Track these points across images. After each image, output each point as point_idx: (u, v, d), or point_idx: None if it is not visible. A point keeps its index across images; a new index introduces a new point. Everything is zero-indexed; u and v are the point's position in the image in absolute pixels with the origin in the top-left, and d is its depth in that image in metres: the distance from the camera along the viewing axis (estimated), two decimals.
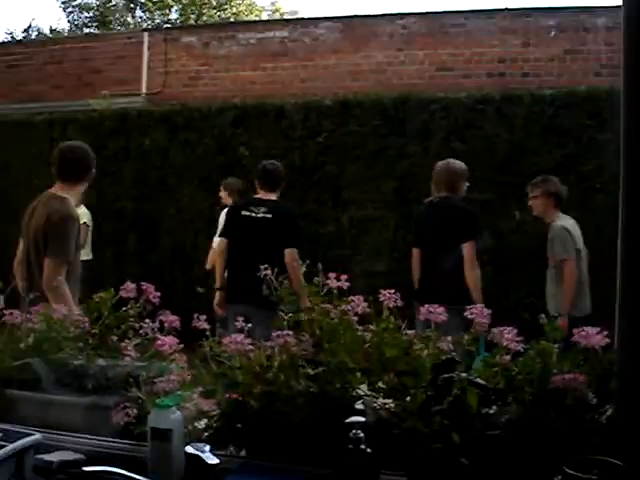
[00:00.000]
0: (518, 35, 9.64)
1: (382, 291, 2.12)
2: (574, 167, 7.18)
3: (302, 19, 12.20)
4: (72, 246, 3.99)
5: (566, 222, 5.63)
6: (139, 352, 2.31)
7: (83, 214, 6.76)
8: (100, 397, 2.22)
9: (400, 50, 9.96)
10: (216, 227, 6.63)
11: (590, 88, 7.58)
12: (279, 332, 2.00)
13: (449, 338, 2.08)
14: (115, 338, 2.41)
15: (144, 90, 11.17)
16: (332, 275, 2.12)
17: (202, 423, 2.08)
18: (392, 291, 2.12)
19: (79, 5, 26.58)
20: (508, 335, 2.00)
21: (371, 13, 10.65)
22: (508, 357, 1.98)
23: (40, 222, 4.01)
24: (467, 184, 5.37)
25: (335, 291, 2.09)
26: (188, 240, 8.16)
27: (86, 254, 7.24)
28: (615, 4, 9.11)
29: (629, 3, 1.86)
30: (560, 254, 5.48)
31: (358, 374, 2.01)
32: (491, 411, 1.89)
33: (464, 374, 1.82)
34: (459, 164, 5.40)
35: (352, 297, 2.12)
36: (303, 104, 8.33)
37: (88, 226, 7.29)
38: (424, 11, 10.28)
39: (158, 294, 2.48)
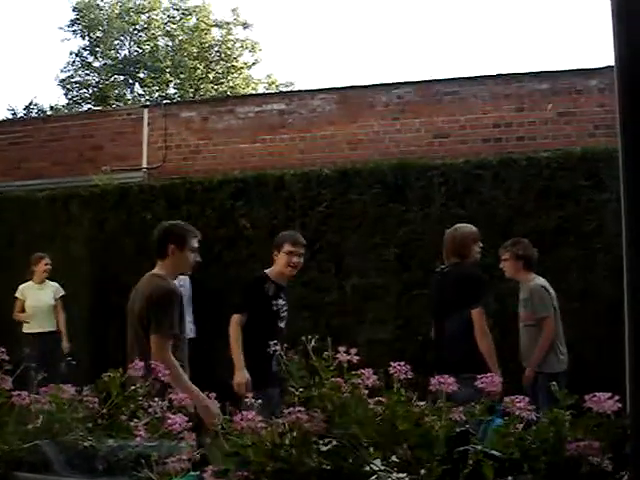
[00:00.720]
0: (512, 100, 9.82)
1: (392, 364, 2.11)
2: (574, 228, 7.24)
3: (299, 91, 12.42)
4: (176, 320, 4.09)
5: (542, 281, 5.76)
6: (149, 431, 2.30)
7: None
8: (111, 478, 2.19)
9: (396, 119, 10.12)
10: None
11: (585, 149, 7.68)
12: (290, 408, 2.00)
13: (461, 409, 2.07)
14: (124, 417, 2.39)
15: (145, 165, 11.31)
16: (342, 349, 2.12)
17: None
18: (402, 363, 2.12)
19: (78, 82, 27.10)
20: (520, 404, 2.00)
21: (366, 83, 10.84)
22: (521, 426, 1.98)
23: (142, 302, 4.16)
24: (480, 246, 5.39)
25: (345, 365, 2.09)
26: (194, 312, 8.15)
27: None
28: (605, 65, 9.30)
29: (621, 61, 1.89)
30: (540, 312, 5.60)
31: (371, 449, 1.99)
32: None
33: (479, 446, 1.81)
34: (467, 228, 5.44)
35: (362, 370, 2.12)
36: (302, 174, 8.43)
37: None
38: (418, 80, 10.47)
39: (167, 372, 2.48)
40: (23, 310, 8.51)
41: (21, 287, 8.59)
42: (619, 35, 1.90)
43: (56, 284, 8.58)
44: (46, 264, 8.52)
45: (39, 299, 8.48)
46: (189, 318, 8.15)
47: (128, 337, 4.28)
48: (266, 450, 2.00)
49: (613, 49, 1.93)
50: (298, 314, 7.70)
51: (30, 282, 8.58)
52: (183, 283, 8.16)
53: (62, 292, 8.55)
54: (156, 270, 4.40)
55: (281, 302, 5.30)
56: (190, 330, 8.09)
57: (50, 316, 8.43)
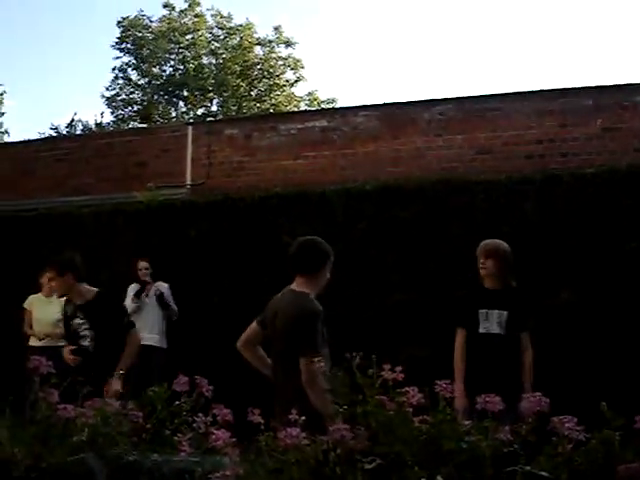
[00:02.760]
0: (555, 116, 9.73)
1: (438, 382, 2.10)
2: (618, 245, 7.12)
3: (341, 108, 12.48)
4: (320, 341, 4.06)
5: None
6: (192, 446, 2.31)
7: None
8: None
9: (438, 135, 10.10)
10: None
11: (631, 165, 7.55)
12: (335, 426, 1.99)
13: (507, 428, 2.05)
14: (168, 432, 2.41)
15: (188, 181, 11.43)
16: (387, 366, 2.11)
17: None
18: (448, 382, 2.11)
19: (123, 100, 27.52)
20: (569, 424, 1.97)
21: (408, 100, 10.85)
22: (570, 446, 1.94)
23: (289, 320, 4.12)
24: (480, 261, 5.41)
25: (390, 382, 2.08)
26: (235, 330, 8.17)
27: None
28: None
29: None
30: None
31: (416, 467, 1.97)
32: None
33: (527, 467, 1.78)
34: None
35: (407, 388, 2.11)
36: (344, 190, 8.42)
37: None
38: (460, 96, 10.44)
39: (211, 387, 2.49)
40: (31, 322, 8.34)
41: (30, 298, 8.44)
42: None
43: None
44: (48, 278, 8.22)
45: (45, 312, 8.21)
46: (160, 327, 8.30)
47: (250, 331, 4.35)
48: (310, 467, 2.00)
49: None
50: (338, 331, 7.69)
51: (39, 294, 8.41)
52: (165, 290, 8.31)
53: None
54: (297, 287, 4.26)
55: None
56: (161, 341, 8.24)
57: (55, 330, 7.97)
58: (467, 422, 2.12)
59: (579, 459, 1.91)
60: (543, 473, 1.79)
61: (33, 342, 8.16)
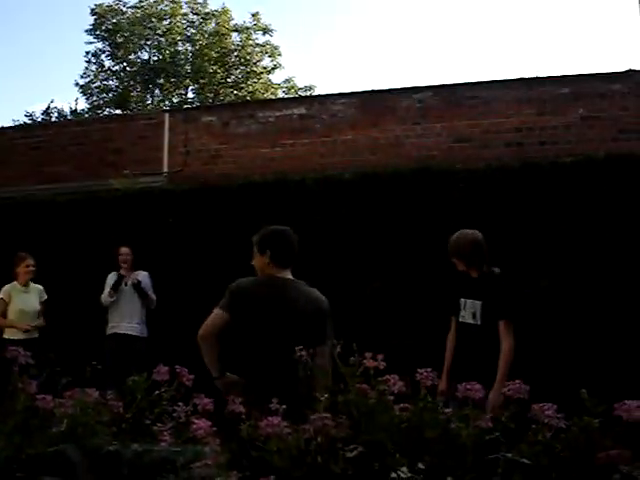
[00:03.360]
0: (533, 104, 9.77)
1: (419, 370, 2.10)
2: (596, 234, 7.17)
3: (319, 96, 12.45)
4: None
5: None
6: (173, 436, 2.29)
7: None
8: None
9: (417, 123, 10.11)
10: None
11: (609, 153, 7.60)
12: (317, 415, 1.98)
13: (488, 416, 2.05)
14: (148, 422, 2.39)
15: (165, 169, 11.36)
16: (368, 354, 2.11)
17: None
18: (429, 369, 2.11)
19: (98, 87, 27.29)
20: (549, 412, 1.97)
21: (387, 87, 10.83)
22: (550, 434, 1.95)
23: (322, 309, 4.12)
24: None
25: (372, 371, 2.08)
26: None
27: None
28: (628, 69, 9.26)
29: None
30: None
31: (397, 455, 1.97)
32: None
33: (509, 454, 1.79)
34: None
35: (388, 376, 2.11)
36: (323, 179, 8.41)
37: None
38: (439, 84, 10.45)
39: (191, 377, 2.47)
40: (4, 314, 8.04)
41: (6, 288, 8.11)
42: None
43: (40, 286, 8.22)
44: (28, 265, 8.13)
45: (26, 302, 8.06)
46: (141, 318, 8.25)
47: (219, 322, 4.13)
48: (292, 456, 1.99)
49: None
50: None
51: (15, 283, 8.14)
52: (142, 279, 8.25)
53: (45, 296, 8.19)
54: (292, 277, 4.27)
55: None
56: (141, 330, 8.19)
57: (35, 321, 8.01)
58: (447, 410, 2.12)
59: (559, 446, 1.92)
60: (524, 460, 1.79)
61: (11, 335, 7.83)
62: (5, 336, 7.84)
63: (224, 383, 3.96)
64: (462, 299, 5.26)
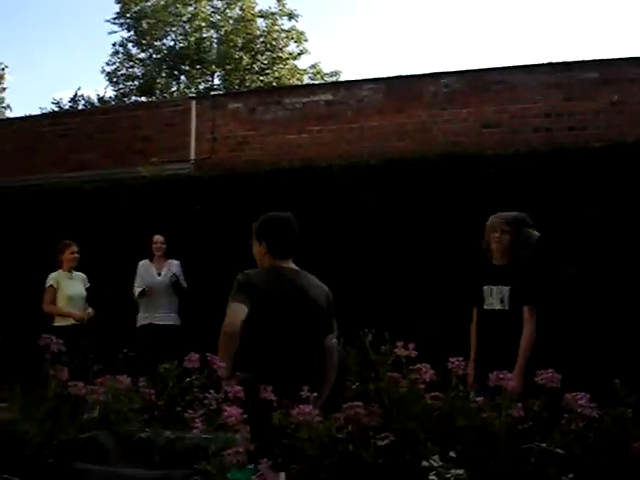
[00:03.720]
0: (562, 89, 9.66)
1: (450, 359, 2.10)
2: (626, 220, 7.09)
3: (345, 82, 12.38)
4: None
5: None
6: (204, 423, 2.31)
7: None
8: (168, 470, 2.19)
9: (444, 109, 10.03)
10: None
11: (638, 139, 7.50)
12: (349, 403, 1.99)
13: (520, 405, 2.04)
14: (179, 409, 2.41)
15: (192, 156, 11.38)
16: (400, 343, 2.11)
17: None
18: (460, 359, 2.10)
19: (124, 75, 27.38)
20: (582, 401, 1.96)
21: (413, 73, 10.76)
22: (583, 423, 1.94)
23: (328, 299, 4.07)
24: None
25: (403, 359, 2.07)
26: None
27: None
28: None
29: None
30: None
31: (429, 444, 1.97)
32: None
33: (543, 444, 1.78)
34: None
35: (419, 365, 2.10)
36: (350, 165, 8.39)
37: None
38: (466, 69, 10.35)
39: (222, 365, 2.49)
40: (54, 301, 7.95)
41: (54, 275, 8.03)
42: None
43: (83, 274, 8.19)
44: (72, 252, 8.06)
45: (73, 289, 8.01)
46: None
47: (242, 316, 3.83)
48: (323, 444, 2.00)
49: None
50: (347, 306, 7.69)
51: (60, 271, 8.06)
52: (175, 269, 8.23)
53: (89, 283, 8.15)
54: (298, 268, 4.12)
55: None
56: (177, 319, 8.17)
57: (83, 308, 7.95)
58: (479, 399, 2.12)
59: (592, 436, 1.91)
60: (558, 450, 1.78)
61: (61, 322, 7.74)
62: (55, 323, 7.76)
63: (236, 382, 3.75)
64: (487, 286, 5.25)
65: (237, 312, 3.79)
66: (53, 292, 7.94)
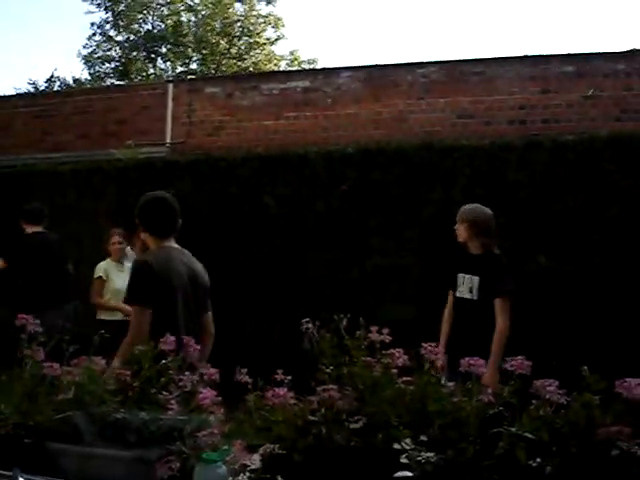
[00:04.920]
0: (537, 82, 9.74)
1: (424, 344, 2.13)
2: (597, 212, 7.20)
3: (323, 69, 12.37)
4: None
5: None
6: (180, 405, 2.33)
7: None
8: (142, 450, 2.21)
9: (421, 98, 10.08)
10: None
11: (612, 133, 7.61)
12: (323, 386, 2.02)
13: (490, 390, 2.09)
14: (154, 391, 2.42)
15: (168, 140, 11.33)
16: (374, 328, 2.14)
17: (245, 477, 2.08)
18: (433, 344, 2.14)
19: (100, 57, 27.13)
20: (550, 388, 2.01)
21: (391, 62, 10.79)
22: (551, 409, 1.99)
23: (203, 278, 4.09)
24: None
25: (378, 345, 2.11)
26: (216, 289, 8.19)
27: None
28: (632, 48, 9.24)
29: None
30: None
31: (401, 428, 2.01)
32: (534, 464, 1.89)
33: (512, 428, 1.82)
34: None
35: (392, 350, 2.14)
36: (326, 152, 8.41)
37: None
38: (444, 59, 10.40)
39: (198, 347, 2.51)
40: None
41: (102, 265, 7.43)
42: None
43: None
44: (114, 243, 7.44)
45: (123, 282, 7.27)
46: None
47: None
48: (297, 427, 2.03)
49: None
50: (320, 292, 7.74)
51: (109, 260, 7.46)
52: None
53: None
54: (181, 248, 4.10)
55: None
56: None
57: None
58: (450, 384, 2.16)
59: (560, 422, 1.96)
60: (527, 434, 1.83)
61: (109, 316, 7.07)
62: (101, 317, 7.26)
63: None
64: (461, 274, 5.30)
65: (142, 324, 3.73)
66: (101, 284, 7.37)
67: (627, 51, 9.44)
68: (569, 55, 9.81)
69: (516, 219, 7.33)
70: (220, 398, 2.30)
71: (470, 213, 5.35)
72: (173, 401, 2.28)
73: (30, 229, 7.40)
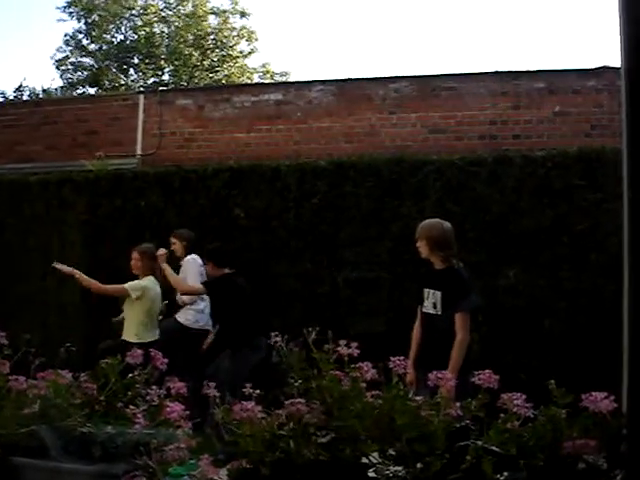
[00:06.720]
0: (508, 97, 9.83)
1: (392, 358, 2.14)
2: (567, 227, 7.28)
3: (296, 82, 12.38)
4: None
5: None
6: (146, 419, 2.31)
7: None
8: (108, 465, 2.20)
9: (393, 113, 10.12)
10: None
11: (582, 149, 7.70)
12: (291, 400, 2.01)
13: (457, 404, 2.09)
14: (121, 404, 2.40)
15: (139, 151, 11.26)
16: (342, 342, 2.14)
17: None
18: (402, 358, 2.14)
19: (73, 64, 26.96)
20: (518, 401, 2.02)
21: (364, 76, 10.82)
22: (518, 423, 2.00)
23: None
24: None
25: (346, 358, 2.11)
26: None
27: None
28: (602, 65, 9.35)
29: (629, 64, 1.90)
30: None
31: (369, 441, 2.01)
32: (501, 478, 1.90)
33: (479, 442, 1.83)
34: None
35: (361, 364, 2.14)
36: (297, 165, 8.42)
37: None
38: (416, 74, 10.46)
39: (166, 360, 2.49)
40: None
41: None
42: (628, 40, 1.91)
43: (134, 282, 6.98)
44: (131, 259, 7.09)
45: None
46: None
47: None
48: (265, 440, 2.02)
49: (620, 53, 1.94)
50: (290, 305, 7.73)
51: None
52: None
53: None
54: None
55: None
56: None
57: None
58: (418, 398, 2.16)
59: (527, 435, 1.97)
60: (493, 448, 1.84)
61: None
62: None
63: None
64: (426, 289, 5.33)
65: None
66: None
67: (597, 68, 9.55)
68: (540, 71, 9.91)
69: (486, 234, 7.39)
70: (188, 412, 2.28)
71: (427, 229, 5.39)
72: (140, 415, 2.25)
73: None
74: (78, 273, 6.86)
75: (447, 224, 5.39)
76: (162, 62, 26.90)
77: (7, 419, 2.40)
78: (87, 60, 27.11)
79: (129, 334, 6.70)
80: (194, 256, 7.56)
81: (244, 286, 7.05)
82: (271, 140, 10.44)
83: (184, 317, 7.54)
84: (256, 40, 26.99)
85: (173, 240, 7.71)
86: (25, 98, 24.76)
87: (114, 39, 27.16)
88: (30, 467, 2.27)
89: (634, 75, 1.88)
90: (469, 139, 9.54)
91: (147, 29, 26.79)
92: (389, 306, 7.40)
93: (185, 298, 7.49)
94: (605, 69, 9.36)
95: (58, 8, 26.47)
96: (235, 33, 26.98)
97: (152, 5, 26.93)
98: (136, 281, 6.84)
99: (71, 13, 26.53)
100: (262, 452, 2.00)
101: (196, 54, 26.60)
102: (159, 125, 11.26)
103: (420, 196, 7.72)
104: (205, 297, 7.36)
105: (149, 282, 6.88)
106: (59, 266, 6.98)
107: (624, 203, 1.94)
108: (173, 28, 26.90)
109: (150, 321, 6.85)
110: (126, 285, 6.76)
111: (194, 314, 7.55)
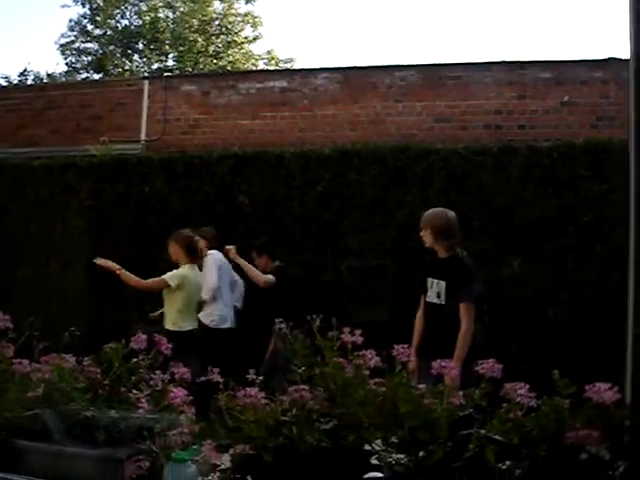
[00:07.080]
0: (514, 87, 9.79)
1: (395, 346, 2.14)
2: (572, 218, 7.27)
3: (301, 70, 12.35)
4: None
5: None
6: (150, 403, 2.32)
7: None
8: (111, 449, 2.20)
9: (398, 101, 10.09)
10: None
11: (588, 140, 7.67)
12: (295, 386, 2.02)
13: (461, 393, 2.10)
14: (125, 389, 2.41)
15: (143, 137, 11.25)
16: (346, 329, 2.14)
17: (215, 477, 2.07)
18: (405, 346, 2.14)
19: (77, 49, 26.91)
20: (521, 391, 2.02)
21: (369, 64, 10.78)
22: (521, 412, 2.00)
23: None
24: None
25: (349, 345, 2.11)
26: None
27: None
28: (610, 57, 9.31)
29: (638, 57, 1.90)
30: None
31: (372, 429, 2.01)
32: (504, 467, 1.90)
33: (482, 430, 1.83)
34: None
35: (364, 351, 2.14)
36: (302, 153, 8.41)
37: None
38: (422, 63, 10.42)
39: (170, 345, 2.49)
40: None
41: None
42: (636, 31, 1.90)
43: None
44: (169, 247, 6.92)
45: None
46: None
47: None
48: (268, 427, 2.02)
49: (629, 46, 1.93)
50: (297, 293, 7.73)
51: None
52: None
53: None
54: None
55: None
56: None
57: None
58: (421, 386, 2.16)
59: (529, 425, 1.97)
60: (496, 437, 1.84)
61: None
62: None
63: None
64: (430, 279, 5.33)
65: None
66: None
67: (604, 59, 9.50)
68: (546, 62, 9.87)
69: (491, 223, 7.38)
70: (191, 397, 2.29)
71: (431, 218, 5.39)
72: (143, 400, 2.26)
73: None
74: (120, 269, 6.74)
75: (451, 213, 5.39)
76: (167, 47, 26.83)
77: (11, 402, 2.40)
78: (91, 45, 27.05)
79: (168, 322, 6.66)
80: (213, 251, 7.51)
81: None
82: (276, 127, 10.42)
83: (208, 319, 7.37)
84: (261, 26, 26.91)
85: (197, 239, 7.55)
86: (29, 82, 24.74)
87: (118, 24, 27.07)
88: (33, 450, 2.28)
89: None
90: (474, 128, 9.51)
91: (152, 14, 26.71)
92: (393, 294, 7.40)
93: (206, 297, 7.33)
94: (612, 60, 9.31)
95: None
96: (240, 19, 26.88)
97: None
98: (174, 270, 6.74)
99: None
100: (265, 438, 2.01)
101: (201, 40, 26.52)
102: (164, 111, 11.24)
103: (425, 185, 7.70)
104: (225, 295, 7.34)
105: (188, 271, 6.75)
106: (101, 261, 6.77)
107: (630, 195, 1.93)
108: (178, 13, 26.81)
109: (188, 310, 6.75)
110: (165, 276, 6.64)
111: (218, 314, 7.43)
